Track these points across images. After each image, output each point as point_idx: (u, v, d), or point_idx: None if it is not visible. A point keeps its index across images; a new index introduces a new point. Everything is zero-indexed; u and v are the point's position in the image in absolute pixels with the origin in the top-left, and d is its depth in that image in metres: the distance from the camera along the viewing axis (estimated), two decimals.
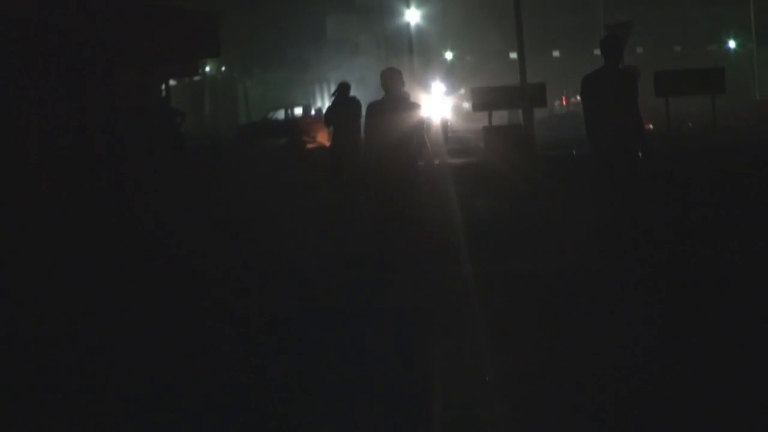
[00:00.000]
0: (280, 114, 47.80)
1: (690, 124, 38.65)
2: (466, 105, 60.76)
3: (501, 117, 36.37)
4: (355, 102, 15.61)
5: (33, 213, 15.33)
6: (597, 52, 10.36)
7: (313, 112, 47.86)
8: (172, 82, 37.93)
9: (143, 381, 7.24)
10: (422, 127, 10.03)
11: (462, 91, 73.21)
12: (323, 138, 40.35)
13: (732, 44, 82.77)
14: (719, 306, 8.57)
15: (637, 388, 6.46)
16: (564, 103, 70.93)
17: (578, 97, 15.72)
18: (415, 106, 10.15)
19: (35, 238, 13.81)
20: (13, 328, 9.13)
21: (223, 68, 61.16)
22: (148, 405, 6.69)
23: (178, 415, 6.49)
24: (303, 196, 19.93)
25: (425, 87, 69.58)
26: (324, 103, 64.80)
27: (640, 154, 9.55)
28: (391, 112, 9.87)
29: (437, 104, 61.54)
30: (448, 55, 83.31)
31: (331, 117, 15.89)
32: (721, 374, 6.71)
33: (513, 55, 46.36)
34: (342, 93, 15.87)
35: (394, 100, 9.98)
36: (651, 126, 33.60)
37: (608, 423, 5.94)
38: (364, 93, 16.97)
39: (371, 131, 9.90)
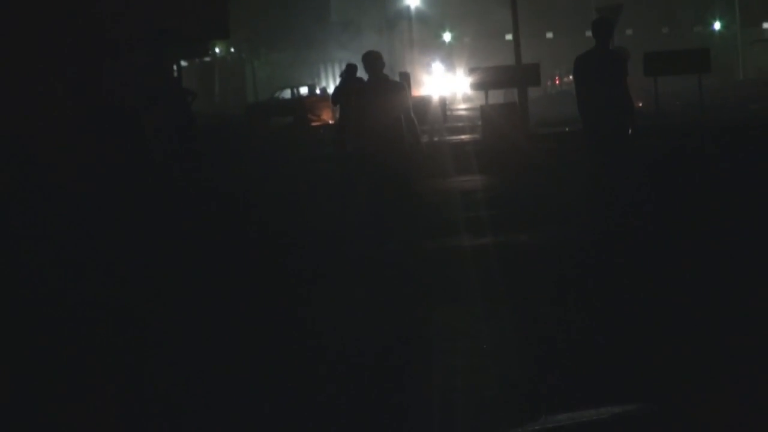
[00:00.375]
0: (287, 93, 48.47)
1: (678, 103, 39.77)
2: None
3: (497, 96, 37.45)
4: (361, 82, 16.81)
5: (51, 198, 15.44)
6: (589, 33, 10.85)
7: (318, 91, 48.41)
8: (183, 63, 38.83)
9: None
10: (409, 105, 10.13)
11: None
12: (328, 116, 41.50)
13: (717, 26, 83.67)
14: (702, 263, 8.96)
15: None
16: (557, 82, 71.80)
17: (571, 77, 16.66)
18: (399, 85, 10.34)
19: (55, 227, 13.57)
20: None
21: (232, 49, 61.90)
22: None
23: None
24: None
25: (425, 66, 70.50)
26: (329, 82, 65.59)
27: (630, 130, 9.93)
28: (376, 92, 10.02)
29: (438, 83, 62.51)
30: (447, 36, 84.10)
31: (338, 96, 17.15)
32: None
33: (508, 37, 47.46)
34: (349, 74, 17.11)
35: (378, 81, 10.11)
36: (640, 104, 34.58)
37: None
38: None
39: (359, 112, 10.11)
